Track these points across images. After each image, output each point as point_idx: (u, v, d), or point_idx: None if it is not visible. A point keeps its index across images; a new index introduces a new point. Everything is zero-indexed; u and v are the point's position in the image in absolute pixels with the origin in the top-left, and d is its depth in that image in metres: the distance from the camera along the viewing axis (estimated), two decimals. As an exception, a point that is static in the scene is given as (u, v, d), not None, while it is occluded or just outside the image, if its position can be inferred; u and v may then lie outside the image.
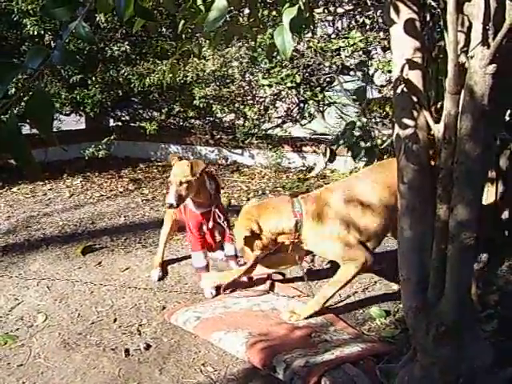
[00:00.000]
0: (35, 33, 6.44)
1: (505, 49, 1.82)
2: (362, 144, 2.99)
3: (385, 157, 3.87)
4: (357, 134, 3.00)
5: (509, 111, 2.72)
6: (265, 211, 3.48)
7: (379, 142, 3.82)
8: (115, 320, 3.49)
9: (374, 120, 5.37)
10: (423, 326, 2.27)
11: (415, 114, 2.21)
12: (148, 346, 3.15)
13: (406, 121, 2.21)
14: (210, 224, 3.98)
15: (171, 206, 3.73)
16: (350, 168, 6.77)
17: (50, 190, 6.90)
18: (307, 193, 3.65)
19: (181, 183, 3.72)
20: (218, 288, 3.80)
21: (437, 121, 2.16)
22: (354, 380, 2.67)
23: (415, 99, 2.20)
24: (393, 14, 2.18)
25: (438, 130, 2.13)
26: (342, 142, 2.99)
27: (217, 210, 3.96)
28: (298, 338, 3.14)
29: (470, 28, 1.96)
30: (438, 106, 2.32)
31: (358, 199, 3.40)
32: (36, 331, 3.35)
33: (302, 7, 1.91)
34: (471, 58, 1.92)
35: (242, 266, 3.94)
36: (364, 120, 3.57)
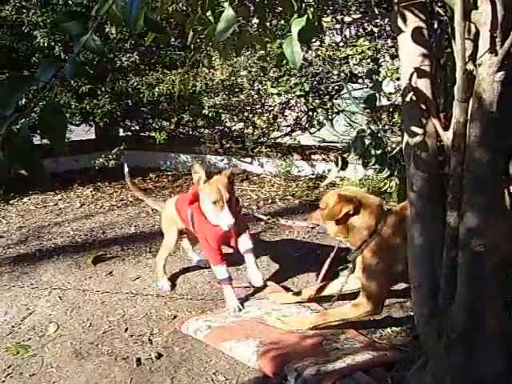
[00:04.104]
0: (45, 44, 6.51)
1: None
2: (373, 152, 2.98)
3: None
4: (367, 141, 2.99)
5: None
6: (364, 204, 3.19)
7: (389, 149, 3.81)
8: (126, 329, 3.50)
9: (382, 127, 5.36)
10: (434, 333, 2.27)
11: (424, 121, 2.21)
12: (159, 355, 3.16)
13: (415, 129, 2.22)
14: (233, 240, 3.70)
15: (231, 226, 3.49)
16: (361, 176, 6.77)
17: (60, 200, 6.93)
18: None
19: (229, 199, 3.47)
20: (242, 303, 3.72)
21: (446, 128, 2.16)
22: (366, 388, 2.67)
23: (424, 107, 2.21)
24: (400, 23, 2.20)
25: (446, 137, 2.14)
26: (353, 149, 2.98)
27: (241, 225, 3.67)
28: (309, 346, 3.13)
29: (477, 35, 1.97)
30: (447, 113, 2.32)
31: None
32: (48, 341, 3.36)
33: (311, 16, 1.93)
34: (479, 65, 1.93)
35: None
36: (373, 128, 3.56)
